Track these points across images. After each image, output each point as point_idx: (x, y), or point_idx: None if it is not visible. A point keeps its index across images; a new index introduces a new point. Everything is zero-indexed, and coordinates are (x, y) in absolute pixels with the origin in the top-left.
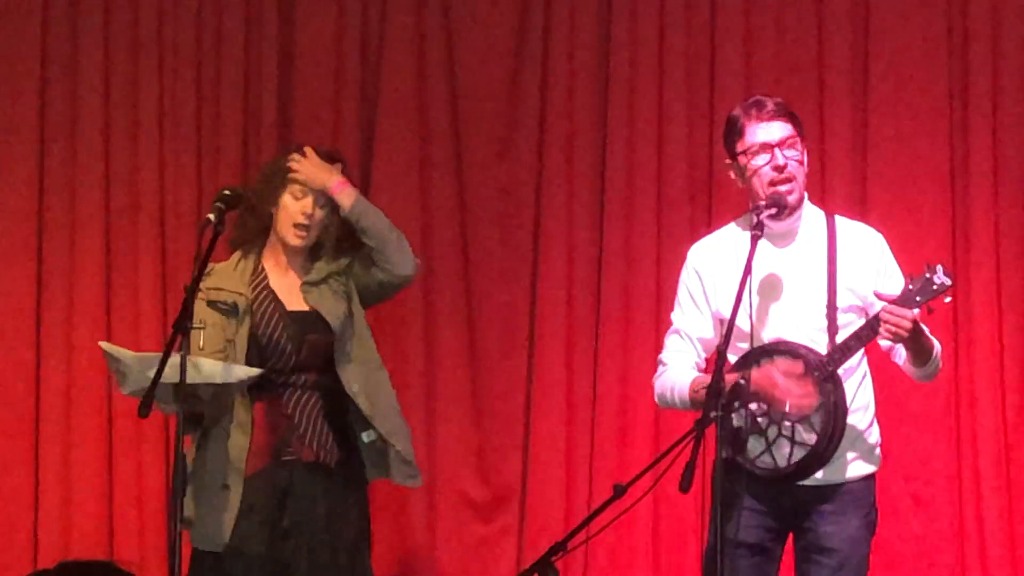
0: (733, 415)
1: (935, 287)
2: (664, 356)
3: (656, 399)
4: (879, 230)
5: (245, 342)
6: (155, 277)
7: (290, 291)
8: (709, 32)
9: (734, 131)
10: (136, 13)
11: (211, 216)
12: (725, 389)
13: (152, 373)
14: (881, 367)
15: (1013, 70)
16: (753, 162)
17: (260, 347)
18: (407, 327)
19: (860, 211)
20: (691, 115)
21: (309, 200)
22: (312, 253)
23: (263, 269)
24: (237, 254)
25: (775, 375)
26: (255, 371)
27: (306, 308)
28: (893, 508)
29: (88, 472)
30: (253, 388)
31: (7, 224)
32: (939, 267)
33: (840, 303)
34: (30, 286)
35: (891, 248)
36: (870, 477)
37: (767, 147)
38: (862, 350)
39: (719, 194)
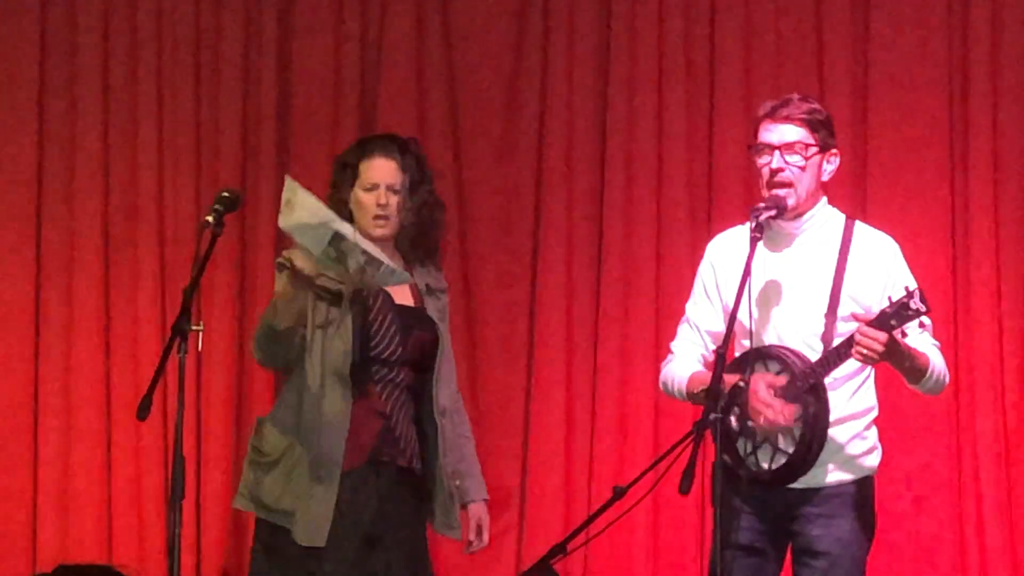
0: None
1: (910, 312)
2: (674, 344)
3: (660, 385)
4: (879, 229)
5: (350, 331)
6: (154, 279)
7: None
8: (709, 30)
9: (754, 127)
10: (134, 16)
11: (209, 218)
12: (724, 392)
13: (305, 221)
14: (882, 371)
15: (1013, 66)
16: (757, 160)
17: (367, 335)
18: None
19: (859, 210)
20: (690, 116)
21: (380, 191)
22: (397, 245)
23: None
24: None
25: (760, 385)
26: (406, 275)
27: (411, 303)
28: (893, 510)
29: (87, 475)
30: (352, 378)
31: (6, 227)
32: (917, 292)
33: (841, 311)
34: (29, 289)
35: (900, 252)
36: (864, 481)
37: (770, 148)
38: None
39: (718, 195)
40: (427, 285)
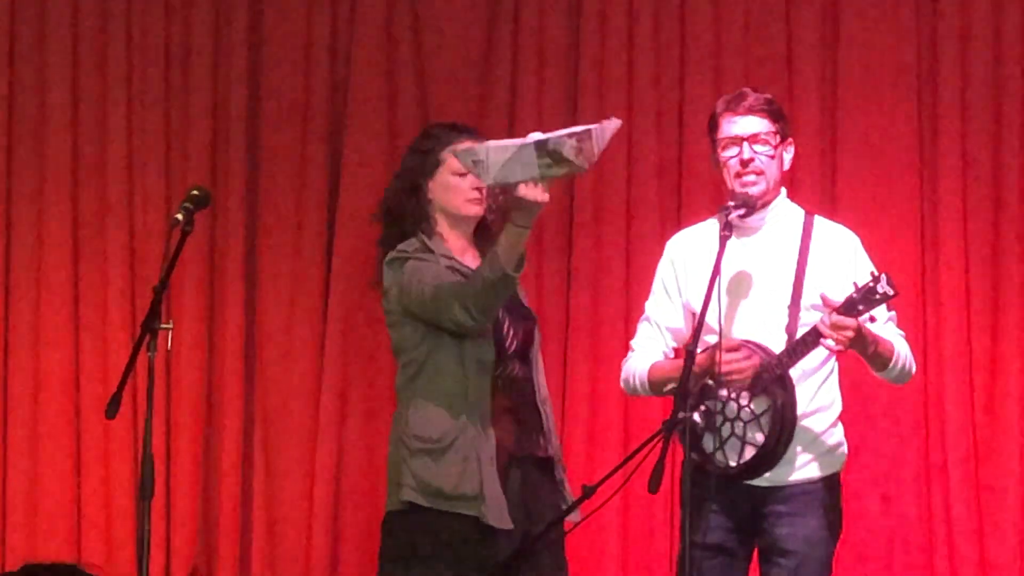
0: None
1: (877, 296)
2: (634, 342)
3: (621, 383)
4: (849, 227)
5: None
6: (124, 278)
7: None
8: (679, 28)
9: (712, 122)
10: (104, 9)
11: (179, 216)
12: (694, 391)
13: (506, 163)
14: (851, 367)
15: (982, 64)
16: (723, 154)
17: (499, 334)
18: (381, 327)
19: (829, 208)
20: (659, 111)
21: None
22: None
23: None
24: (422, 237)
25: (716, 353)
26: (615, 121)
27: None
28: (862, 507)
29: (56, 474)
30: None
31: None
32: (884, 276)
33: (804, 302)
34: None
35: (861, 245)
36: (831, 478)
37: (736, 140)
38: (825, 352)
39: (688, 195)
40: None
